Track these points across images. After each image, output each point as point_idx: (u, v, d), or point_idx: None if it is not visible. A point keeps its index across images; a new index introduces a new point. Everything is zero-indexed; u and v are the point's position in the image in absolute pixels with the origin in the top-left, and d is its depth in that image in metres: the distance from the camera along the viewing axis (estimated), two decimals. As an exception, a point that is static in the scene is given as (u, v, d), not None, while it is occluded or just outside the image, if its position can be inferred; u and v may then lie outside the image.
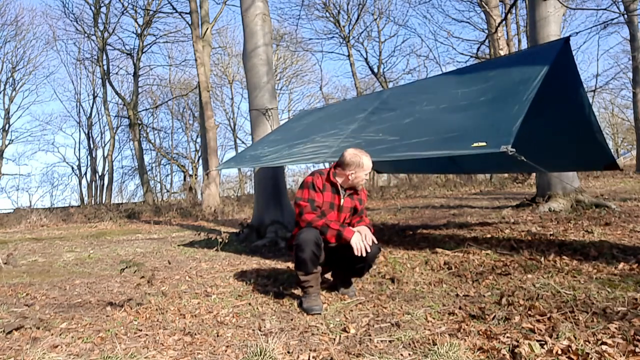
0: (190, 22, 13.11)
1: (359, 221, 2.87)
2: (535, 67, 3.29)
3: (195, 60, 12.80)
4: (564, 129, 4.17)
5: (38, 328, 2.39)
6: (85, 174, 29.28)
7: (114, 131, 24.97)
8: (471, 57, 16.63)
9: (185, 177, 28.60)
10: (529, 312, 2.23)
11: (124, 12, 19.89)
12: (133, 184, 48.37)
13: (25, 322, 2.43)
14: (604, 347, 1.75)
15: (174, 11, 15.49)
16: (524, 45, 15.52)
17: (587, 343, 1.82)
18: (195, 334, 2.25)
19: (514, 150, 2.56)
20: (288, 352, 1.98)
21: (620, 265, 3.05)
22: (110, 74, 21.42)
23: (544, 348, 1.80)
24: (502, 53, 12.79)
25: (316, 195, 2.74)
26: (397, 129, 3.74)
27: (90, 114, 28.07)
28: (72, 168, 30.29)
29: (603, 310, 2.18)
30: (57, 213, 13.97)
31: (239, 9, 6.49)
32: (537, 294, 2.48)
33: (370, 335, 2.12)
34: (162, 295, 3.06)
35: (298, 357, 1.93)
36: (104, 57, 20.62)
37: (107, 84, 21.26)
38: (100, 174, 27.80)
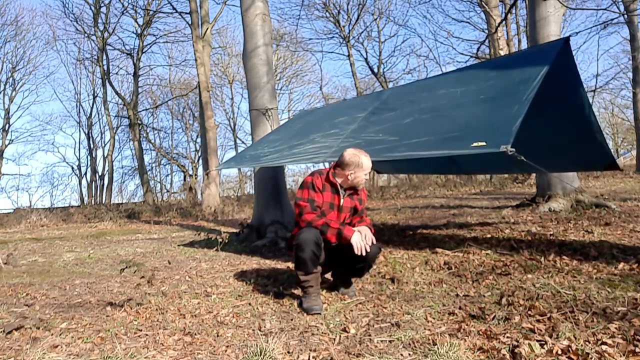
0: (190, 22, 13.11)
1: (360, 221, 2.87)
2: (535, 67, 3.29)
3: (195, 60, 12.80)
4: (564, 129, 4.17)
5: (38, 328, 2.39)
6: (85, 174, 29.32)
7: (114, 131, 24.99)
8: (471, 57, 16.63)
9: (185, 177, 28.61)
10: (529, 312, 2.23)
11: (124, 12, 19.91)
12: (133, 184, 48.42)
13: (25, 322, 2.43)
14: (604, 347, 1.75)
15: (174, 11, 15.50)
16: (524, 45, 15.52)
17: (587, 343, 1.82)
18: (195, 334, 2.25)
19: (513, 150, 2.56)
20: (288, 352, 1.98)
21: (620, 265, 3.05)
22: (110, 74, 21.43)
23: (544, 348, 1.80)
24: (502, 53, 12.79)
25: (316, 195, 2.74)
26: (397, 129, 3.74)
27: (90, 114, 28.11)
28: (72, 168, 30.33)
29: (603, 310, 2.18)
30: (57, 213, 13.97)
31: (239, 9, 6.50)
32: (537, 294, 2.48)
33: (370, 335, 2.12)
34: (162, 295, 3.06)
35: (298, 357, 1.93)
36: (104, 57, 20.62)
37: (107, 84, 21.27)
38: (100, 174, 27.83)
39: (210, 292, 3.11)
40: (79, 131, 33.25)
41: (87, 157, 28.82)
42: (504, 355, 1.78)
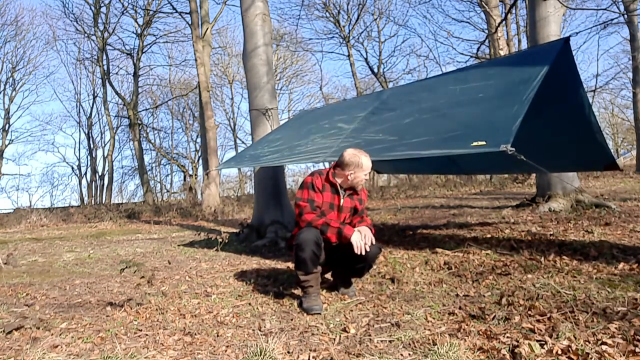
0: (190, 22, 13.11)
1: (360, 221, 2.87)
2: (535, 67, 3.29)
3: (195, 60, 12.80)
4: (564, 129, 4.17)
5: (38, 328, 2.39)
6: (85, 174, 29.31)
7: (114, 131, 24.99)
8: (471, 57, 16.62)
9: (185, 177, 28.61)
10: (529, 312, 2.23)
11: (124, 12, 19.91)
12: (133, 184, 48.42)
13: (25, 322, 2.43)
14: (604, 347, 1.75)
15: (174, 11, 15.50)
16: (524, 45, 15.52)
17: (587, 343, 1.82)
18: (195, 334, 2.25)
19: (513, 149, 2.56)
20: (288, 352, 1.98)
21: (620, 265, 3.05)
22: (110, 74, 21.43)
23: (544, 348, 1.80)
24: (502, 53, 12.79)
25: (316, 195, 2.74)
26: (396, 129, 3.75)
27: (90, 114, 28.11)
28: (72, 168, 30.33)
29: (603, 310, 2.18)
30: (57, 213, 13.97)
31: (239, 9, 6.50)
32: (537, 294, 2.48)
33: (370, 335, 2.12)
34: (162, 295, 3.06)
35: (298, 357, 1.93)
36: (104, 57, 20.62)
37: (107, 84, 21.27)
38: (100, 174, 27.82)
39: (210, 292, 3.11)
40: (79, 131, 33.30)
41: (87, 157, 28.86)
42: (504, 355, 1.78)
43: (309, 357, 1.92)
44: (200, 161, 22.50)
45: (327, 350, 1.97)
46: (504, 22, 12.57)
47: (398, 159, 4.56)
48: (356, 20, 21.01)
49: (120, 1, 19.64)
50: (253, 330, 2.30)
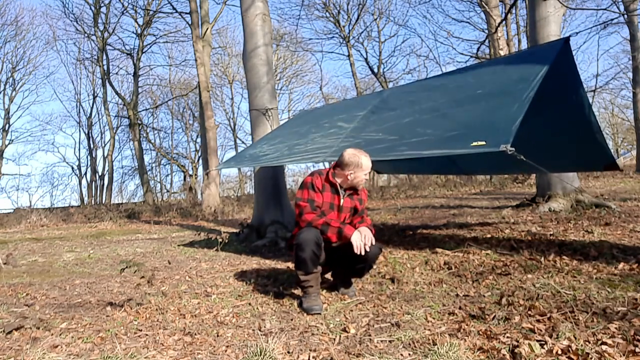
0: (190, 22, 13.11)
1: (360, 221, 2.87)
2: (535, 67, 3.29)
3: (195, 60, 12.80)
4: (564, 129, 4.17)
5: (38, 328, 2.39)
6: (85, 174, 29.31)
7: (114, 131, 24.99)
8: (471, 57, 16.62)
9: (185, 177, 28.62)
10: (529, 312, 2.23)
11: (124, 12, 19.92)
12: (133, 184, 48.40)
13: (25, 322, 2.43)
14: (604, 347, 1.75)
15: (174, 11, 15.50)
16: (524, 45, 15.52)
17: (587, 343, 1.82)
18: (195, 334, 2.25)
19: (513, 149, 2.56)
20: (288, 352, 1.98)
21: (620, 265, 3.05)
22: (110, 74, 21.43)
23: (544, 348, 1.80)
24: (502, 53, 12.79)
25: (316, 195, 2.74)
26: (396, 129, 3.75)
27: (90, 114, 28.11)
28: (72, 168, 30.33)
29: (603, 310, 2.18)
30: (57, 213, 13.97)
31: (239, 9, 6.50)
32: (537, 294, 2.48)
33: (370, 335, 2.12)
34: (162, 295, 3.06)
35: (298, 357, 1.93)
36: (104, 57, 20.62)
37: (107, 84, 21.27)
38: (100, 174, 27.83)
39: (210, 292, 3.11)
40: (79, 131, 33.27)
41: (87, 157, 28.86)
42: (504, 355, 1.78)
43: (309, 357, 1.92)
44: (200, 161, 22.53)
45: (327, 350, 1.97)
46: (504, 22, 12.57)
47: (398, 159, 4.56)
48: (356, 20, 21.03)
49: (120, 1, 19.67)
50: (253, 330, 2.30)
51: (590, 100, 4.87)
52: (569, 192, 6.27)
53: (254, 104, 6.16)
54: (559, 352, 1.76)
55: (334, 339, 2.11)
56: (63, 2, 30.24)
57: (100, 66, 21.16)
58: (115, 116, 26.13)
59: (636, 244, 3.75)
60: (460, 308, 2.41)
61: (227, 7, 34.26)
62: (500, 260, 3.52)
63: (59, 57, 49.04)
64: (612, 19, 13.46)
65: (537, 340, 1.86)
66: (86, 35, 21.24)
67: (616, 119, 31.12)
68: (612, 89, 21.07)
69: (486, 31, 15.06)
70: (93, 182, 27.77)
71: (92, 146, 28.04)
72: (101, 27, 20.32)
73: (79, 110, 30.54)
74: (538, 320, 2.11)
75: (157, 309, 2.70)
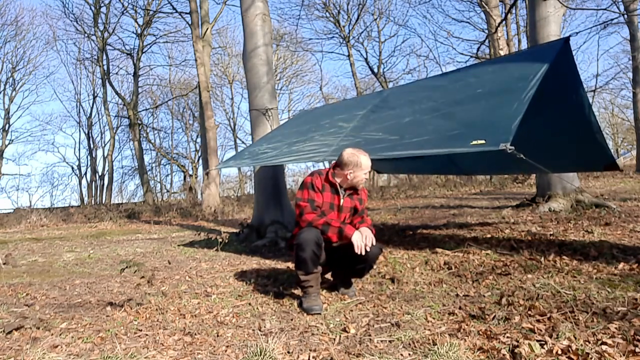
0: (190, 22, 13.11)
1: (361, 221, 2.87)
2: (535, 66, 3.29)
3: (195, 60, 12.80)
4: (564, 129, 4.16)
5: (38, 328, 2.39)
6: (85, 174, 29.31)
7: (114, 131, 24.99)
8: (471, 57, 16.63)
9: (185, 177, 28.62)
10: (529, 312, 2.23)
11: (124, 12, 19.91)
12: (133, 184, 48.39)
13: (25, 322, 2.43)
14: (604, 347, 1.75)
15: (174, 11, 15.49)
16: (524, 45, 15.52)
17: (587, 343, 1.82)
18: (195, 334, 2.25)
19: (512, 148, 2.56)
20: (288, 352, 1.98)
21: (620, 265, 3.05)
22: (110, 74, 21.43)
23: (544, 348, 1.80)
24: (502, 53, 12.78)
25: (316, 195, 2.74)
26: (396, 128, 3.75)
27: (90, 114, 28.10)
28: (72, 168, 30.32)
29: (603, 310, 2.18)
30: (57, 213, 13.97)
31: (239, 9, 6.49)
32: (537, 294, 2.48)
33: (370, 335, 2.12)
34: (162, 295, 3.06)
35: (298, 357, 1.93)
36: (104, 57, 20.62)
37: (107, 84, 21.27)
38: (100, 174, 27.82)
39: (210, 292, 3.11)
40: (79, 131, 33.26)
41: (87, 157, 28.86)
42: (504, 355, 1.78)
43: (309, 357, 1.92)
44: (200, 161, 22.53)
45: (327, 350, 1.97)
46: (504, 22, 12.57)
47: (398, 158, 4.56)
48: (356, 20, 21.04)
49: (120, 1, 19.67)
50: (253, 330, 2.30)
51: (590, 100, 4.87)
52: (569, 192, 6.27)
53: (254, 104, 6.16)
54: (559, 352, 1.76)
55: (334, 339, 2.11)
56: (63, 2, 30.32)
57: (100, 66, 21.16)
58: (115, 116, 26.16)
59: (636, 244, 3.75)
60: (460, 308, 2.41)
61: (227, 7, 34.28)
62: (500, 260, 3.52)
63: (59, 57, 49.13)
64: (612, 19, 13.47)
65: (537, 340, 1.86)
66: (86, 35, 21.26)
67: (616, 119, 31.13)
68: (612, 89, 21.10)
69: (486, 31, 15.06)
70: (93, 182, 27.78)
71: (92, 146, 28.07)
72: (101, 27, 20.33)
73: (79, 110, 30.55)
74: (538, 320, 2.11)
75: (157, 309, 2.70)
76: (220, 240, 5.05)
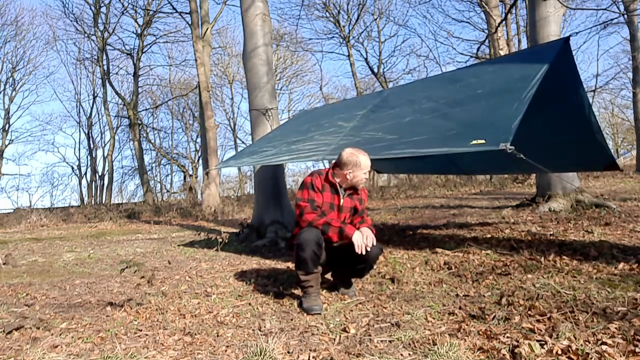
0: (190, 22, 13.11)
1: (361, 221, 2.87)
2: (535, 66, 3.29)
3: (195, 60, 12.80)
4: (564, 129, 4.16)
5: (38, 328, 2.39)
6: (85, 174, 29.31)
7: (114, 131, 24.99)
8: (471, 57, 16.63)
9: (185, 177, 28.62)
10: (529, 312, 2.23)
11: (124, 12, 19.91)
12: (133, 184, 48.38)
13: (25, 322, 2.43)
14: (604, 347, 1.75)
15: (174, 11, 15.50)
16: (524, 45, 15.52)
17: (587, 343, 1.81)
18: (195, 334, 2.25)
19: (512, 147, 2.56)
20: (288, 352, 1.98)
21: (620, 265, 3.05)
22: (110, 74, 21.43)
23: (544, 348, 1.80)
24: (502, 53, 12.78)
25: (316, 195, 2.74)
26: (396, 128, 3.75)
27: (90, 114, 28.10)
28: (72, 168, 30.32)
29: (603, 310, 2.18)
30: (57, 213, 13.97)
31: (239, 9, 6.49)
32: (537, 294, 2.48)
33: (370, 335, 2.12)
34: (162, 295, 3.06)
35: (298, 357, 1.93)
36: (104, 57, 20.62)
37: (107, 84, 21.27)
38: (100, 174, 27.82)
39: (210, 292, 3.11)
40: (79, 131, 33.25)
41: (87, 157, 28.86)
42: (504, 355, 1.78)
43: (309, 357, 1.92)
44: (200, 161, 22.53)
45: (327, 350, 1.97)
46: (504, 22, 12.57)
47: (398, 158, 4.56)
48: (356, 20, 21.04)
49: (120, 1, 19.67)
50: (253, 330, 2.30)
51: (590, 100, 4.87)
52: (569, 192, 6.27)
53: (254, 104, 6.16)
54: (559, 352, 1.76)
55: (334, 339, 2.11)
56: (63, 2, 30.31)
57: (100, 66, 21.16)
58: (115, 116, 26.16)
59: (636, 244, 3.75)
60: (460, 308, 2.41)
61: (227, 7, 34.26)
62: (500, 260, 3.52)
63: (59, 57, 49.13)
64: (612, 19, 13.47)
65: (537, 340, 1.86)
66: (86, 35, 21.26)
67: (616, 119, 31.13)
68: (612, 89, 21.10)
69: (486, 31, 15.06)
70: (93, 182, 27.78)
71: (92, 146, 28.07)
72: (101, 27, 20.33)
73: (79, 110, 30.54)
74: (538, 320, 2.11)
75: (157, 309, 2.70)
76: (220, 240, 5.05)
